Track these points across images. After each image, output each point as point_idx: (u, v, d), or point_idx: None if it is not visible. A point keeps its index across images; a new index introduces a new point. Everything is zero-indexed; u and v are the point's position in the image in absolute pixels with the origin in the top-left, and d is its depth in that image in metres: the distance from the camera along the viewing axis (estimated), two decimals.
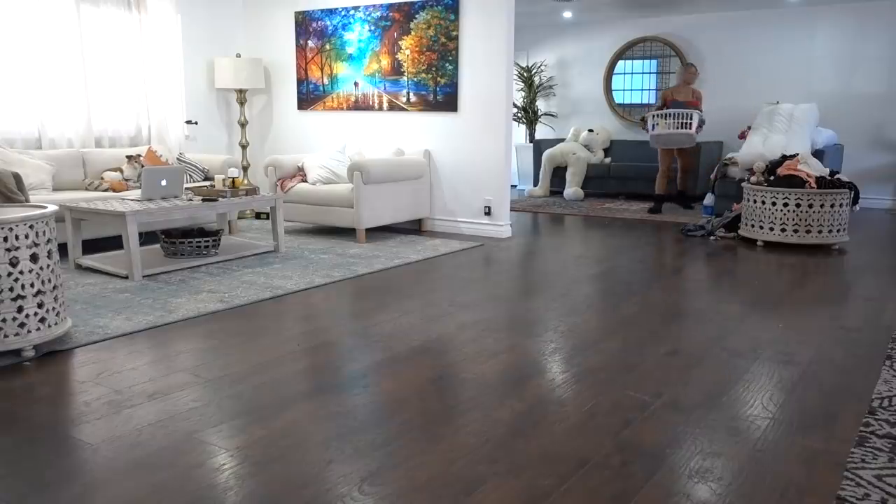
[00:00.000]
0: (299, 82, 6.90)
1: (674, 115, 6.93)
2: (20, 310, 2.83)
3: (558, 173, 8.97)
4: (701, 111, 7.13)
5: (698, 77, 7.50)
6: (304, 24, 6.76)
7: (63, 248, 4.89)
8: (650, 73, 9.16)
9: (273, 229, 5.23)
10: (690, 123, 6.87)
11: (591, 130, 9.05)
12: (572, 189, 8.70)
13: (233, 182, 5.09)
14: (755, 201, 5.59)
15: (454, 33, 5.89)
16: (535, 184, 9.30)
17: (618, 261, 5.02)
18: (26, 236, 2.82)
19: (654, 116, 7.06)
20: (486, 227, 6.02)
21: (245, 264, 4.78)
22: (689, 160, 7.61)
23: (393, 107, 6.37)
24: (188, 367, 2.83)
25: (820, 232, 5.36)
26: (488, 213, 6.00)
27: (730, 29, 8.55)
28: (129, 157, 5.72)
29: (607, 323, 3.48)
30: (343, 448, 2.13)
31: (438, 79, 6.04)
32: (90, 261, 4.64)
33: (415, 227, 6.38)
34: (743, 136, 7.33)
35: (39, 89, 5.60)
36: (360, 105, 6.56)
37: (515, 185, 10.09)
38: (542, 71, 9.87)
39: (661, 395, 2.54)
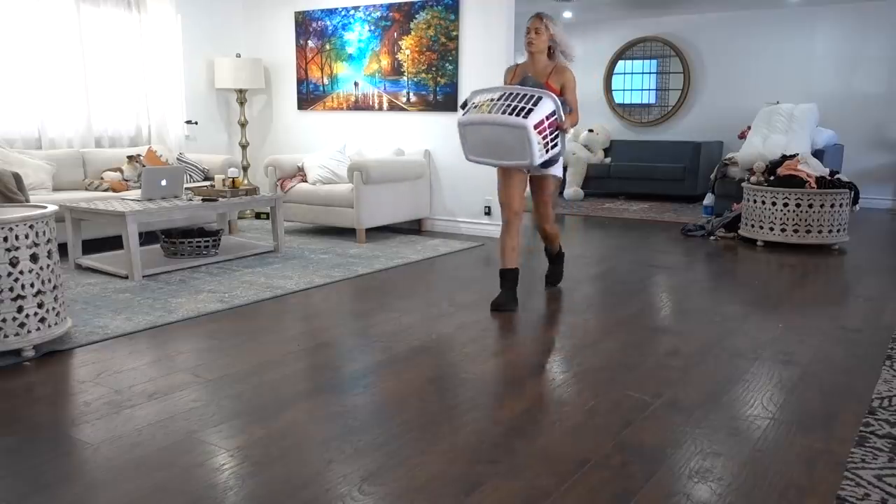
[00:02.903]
0: (299, 82, 6.90)
1: (505, 93, 3.50)
2: (20, 310, 2.83)
3: None
4: (567, 106, 3.61)
5: (567, 53, 3.86)
6: (304, 24, 6.76)
7: (63, 248, 4.88)
8: (650, 73, 9.16)
9: (273, 229, 5.23)
10: (530, 111, 3.37)
11: (590, 130, 9.04)
12: (572, 189, 8.70)
13: (233, 182, 5.08)
14: (755, 201, 5.59)
15: (454, 33, 5.89)
16: None
17: (618, 261, 5.02)
18: (26, 236, 2.82)
19: (474, 94, 3.65)
20: (486, 227, 6.02)
21: (245, 264, 4.78)
22: (545, 193, 3.88)
23: (393, 107, 6.37)
24: (188, 367, 2.83)
25: (820, 232, 5.36)
26: (488, 213, 6.00)
27: (730, 29, 8.55)
28: (130, 157, 5.72)
29: (607, 323, 3.48)
30: (343, 448, 2.13)
31: (438, 79, 6.04)
32: (90, 261, 4.64)
33: (415, 228, 6.38)
34: (743, 136, 7.34)
35: (39, 89, 5.60)
36: (360, 105, 6.56)
37: None
38: None
39: (661, 395, 2.54)
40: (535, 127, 3.35)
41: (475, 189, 6.03)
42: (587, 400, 2.50)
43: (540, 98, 3.42)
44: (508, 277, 3.79)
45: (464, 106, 3.64)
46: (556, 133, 3.51)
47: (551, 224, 4.01)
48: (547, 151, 3.48)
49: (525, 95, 3.43)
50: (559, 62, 3.80)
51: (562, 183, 3.92)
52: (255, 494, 1.86)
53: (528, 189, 3.90)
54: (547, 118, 3.42)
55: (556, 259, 4.29)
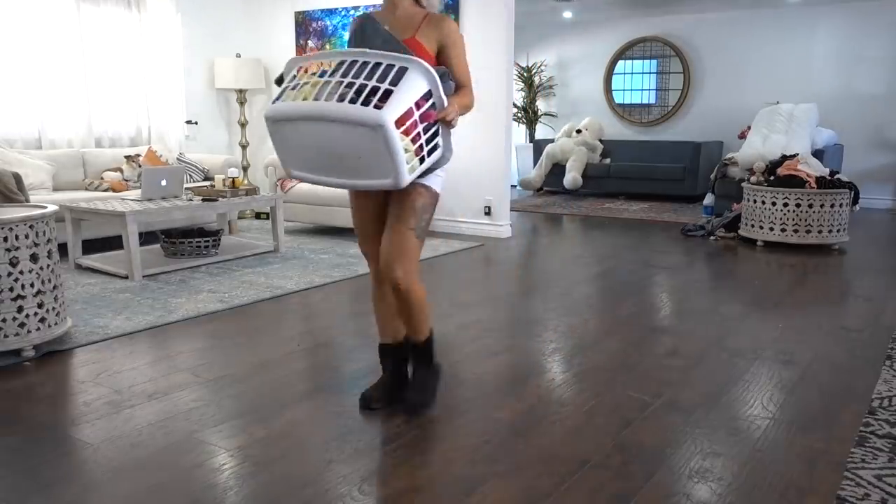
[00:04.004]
0: None
1: (345, 62, 2.04)
2: (20, 310, 2.83)
3: (555, 171, 8.95)
4: (450, 79, 2.33)
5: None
6: (304, 24, 6.76)
7: (63, 248, 4.89)
8: (650, 73, 9.16)
9: (273, 229, 5.23)
10: (387, 94, 1.98)
11: (579, 131, 8.97)
12: (571, 175, 8.64)
13: (233, 182, 5.08)
14: (755, 201, 5.59)
15: None
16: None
17: (618, 261, 5.02)
18: (26, 236, 2.82)
19: (294, 62, 2.17)
20: (486, 227, 6.02)
21: (245, 264, 4.78)
22: (404, 212, 2.26)
23: None
24: (188, 367, 2.83)
25: (820, 232, 5.36)
26: (488, 213, 6.00)
27: (730, 29, 8.55)
28: (128, 157, 5.72)
29: (607, 323, 3.48)
30: (343, 448, 2.13)
31: None
32: (90, 261, 4.64)
33: None
34: (743, 136, 7.34)
35: (39, 89, 5.60)
36: None
37: (515, 186, 10.08)
38: (542, 71, 9.87)
39: (661, 395, 2.54)
40: (399, 122, 1.96)
41: (475, 189, 6.03)
42: (587, 400, 2.50)
43: (404, 69, 2.01)
44: (390, 355, 2.51)
45: (280, 82, 2.18)
46: (436, 128, 2.13)
47: (408, 271, 2.24)
48: (422, 161, 2.09)
49: (377, 65, 2.01)
50: (433, 10, 2.37)
51: (437, 199, 2.34)
52: (255, 494, 1.86)
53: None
54: (417, 105, 2.03)
55: (421, 354, 2.46)
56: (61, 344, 3.06)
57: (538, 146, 9.28)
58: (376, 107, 1.92)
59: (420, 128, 2.05)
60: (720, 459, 2.06)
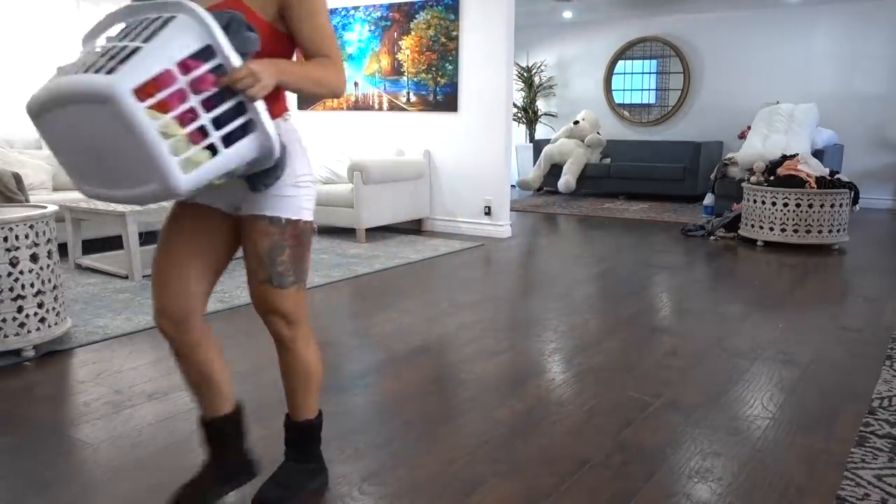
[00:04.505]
0: None
1: (127, 25, 1.43)
2: (20, 310, 2.83)
3: (554, 171, 8.96)
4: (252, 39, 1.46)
5: None
6: None
7: (63, 248, 4.89)
8: (650, 73, 9.17)
9: None
10: (133, 52, 1.31)
11: (576, 122, 8.95)
12: (566, 178, 8.63)
13: None
14: (755, 201, 5.59)
15: (454, 33, 5.89)
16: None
17: (618, 261, 5.02)
18: (26, 236, 2.82)
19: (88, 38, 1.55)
20: (486, 227, 6.02)
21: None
22: (258, 252, 1.64)
23: (393, 107, 6.37)
24: None
25: (820, 232, 5.36)
26: (488, 213, 6.00)
27: (730, 29, 8.55)
28: None
29: (607, 323, 3.48)
30: (343, 448, 2.13)
31: (438, 79, 6.04)
32: (90, 261, 4.64)
33: (415, 227, 6.38)
34: (743, 136, 7.34)
35: None
36: (360, 105, 6.56)
37: (514, 186, 10.09)
38: (542, 71, 9.88)
39: (661, 395, 2.54)
40: (146, 92, 1.31)
41: (475, 189, 6.04)
42: (587, 400, 2.50)
43: (170, 19, 1.39)
44: (218, 432, 1.80)
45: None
46: (234, 103, 1.42)
47: (290, 321, 1.70)
48: (214, 152, 1.40)
49: (145, 22, 1.42)
50: None
51: (301, 230, 1.67)
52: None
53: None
54: (185, 67, 1.36)
55: (300, 439, 1.85)
56: (61, 344, 3.06)
57: (538, 146, 9.28)
58: (111, 72, 1.30)
59: (194, 101, 1.36)
60: (720, 459, 2.06)
